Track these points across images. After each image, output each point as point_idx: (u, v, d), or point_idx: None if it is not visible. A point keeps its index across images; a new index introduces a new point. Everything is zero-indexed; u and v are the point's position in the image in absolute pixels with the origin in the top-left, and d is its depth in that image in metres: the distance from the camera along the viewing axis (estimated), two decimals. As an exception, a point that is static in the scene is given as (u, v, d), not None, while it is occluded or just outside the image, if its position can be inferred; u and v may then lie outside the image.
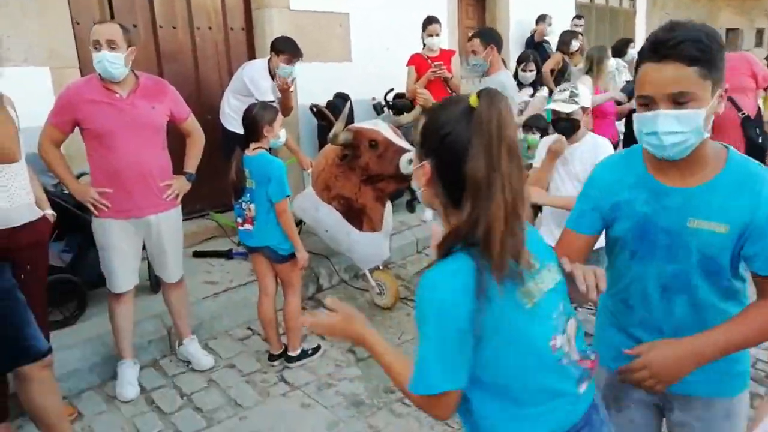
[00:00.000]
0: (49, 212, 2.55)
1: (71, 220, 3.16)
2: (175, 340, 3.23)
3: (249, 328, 3.58)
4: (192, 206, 4.77)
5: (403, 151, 3.33)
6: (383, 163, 3.39)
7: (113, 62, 2.60)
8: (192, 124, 3.01)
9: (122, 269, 2.81)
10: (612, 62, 4.73)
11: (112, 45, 2.58)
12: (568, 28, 7.26)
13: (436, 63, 3.67)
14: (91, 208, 2.72)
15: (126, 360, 2.91)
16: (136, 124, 2.70)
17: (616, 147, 4.96)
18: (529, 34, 7.53)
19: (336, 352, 3.33)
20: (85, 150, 2.75)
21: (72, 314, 3.20)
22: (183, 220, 4.65)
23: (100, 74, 2.62)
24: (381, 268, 3.86)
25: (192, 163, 3.04)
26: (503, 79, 3.74)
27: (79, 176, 3.23)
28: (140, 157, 2.72)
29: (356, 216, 3.66)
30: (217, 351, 3.32)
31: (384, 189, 3.55)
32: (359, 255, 3.72)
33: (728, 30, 13.69)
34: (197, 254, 4.31)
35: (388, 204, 3.81)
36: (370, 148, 3.41)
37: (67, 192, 2.93)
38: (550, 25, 7.38)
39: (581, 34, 7.19)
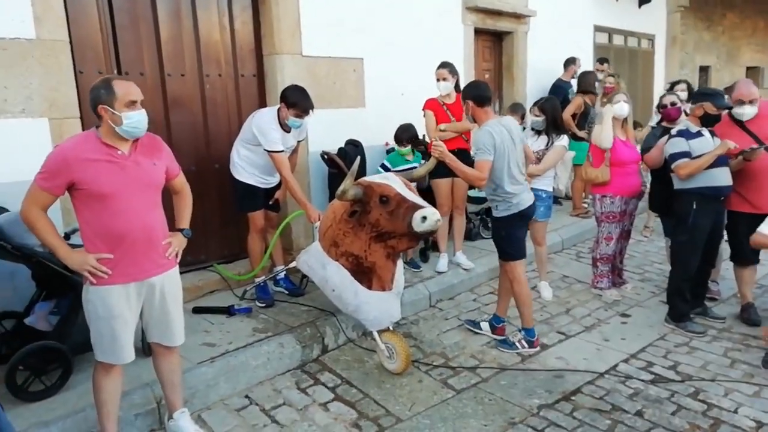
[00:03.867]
0: None
1: (60, 281, 2.96)
2: (165, 413, 2.96)
3: (247, 397, 3.31)
4: (196, 256, 4.60)
5: (417, 207, 3.10)
6: (395, 220, 3.16)
7: (147, 120, 2.51)
8: (182, 180, 2.84)
9: (126, 339, 2.57)
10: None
11: (141, 104, 2.50)
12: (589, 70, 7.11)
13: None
14: (88, 277, 2.48)
15: (109, 439, 2.65)
16: (140, 183, 2.52)
17: (640, 197, 4.70)
18: (557, 79, 7.37)
19: (340, 427, 3.03)
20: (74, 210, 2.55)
21: (54, 384, 2.97)
22: (185, 272, 4.52)
23: (126, 134, 2.47)
24: (391, 328, 3.59)
25: (186, 219, 2.83)
26: (488, 129, 3.52)
27: (67, 236, 3.06)
28: (146, 218, 2.54)
29: (365, 274, 3.42)
30: (210, 424, 3.05)
31: (395, 247, 3.31)
32: (367, 316, 3.47)
33: (748, 68, 13.48)
34: (197, 310, 4.09)
35: (400, 262, 3.56)
36: (381, 203, 3.19)
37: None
38: (579, 67, 7.24)
39: (614, 75, 7.03)
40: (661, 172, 4.40)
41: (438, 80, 4.74)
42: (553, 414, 3.10)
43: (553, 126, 4.54)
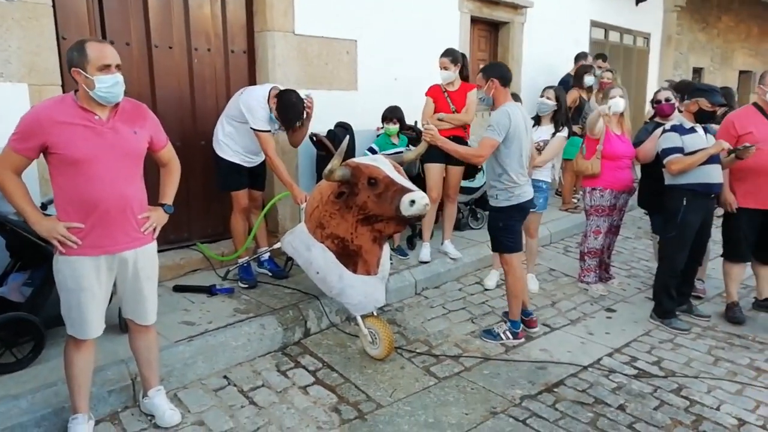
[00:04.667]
0: None
1: (34, 252, 2.86)
2: (140, 390, 2.89)
3: (225, 377, 3.23)
4: (178, 234, 4.50)
5: (405, 190, 3.03)
6: (383, 203, 3.09)
7: (123, 85, 2.39)
8: (169, 153, 2.73)
9: (93, 314, 2.48)
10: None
11: (119, 68, 2.37)
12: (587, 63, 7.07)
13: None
14: (57, 246, 2.39)
15: (79, 415, 2.56)
16: (118, 151, 2.41)
17: (631, 193, 4.67)
18: (566, 74, 7.32)
19: (319, 411, 2.97)
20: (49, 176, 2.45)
21: (26, 357, 2.87)
22: (167, 249, 4.43)
23: (102, 99, 2.35)
24: (375, 314, 3.53)
25: (170, 194, 2.74)
26: (507, 109, 3.50)
27: (44, 206, 2.96)
28: (122, 188, 2.43)
29: (351, 258, 3.35)
30: (186, 404, 2.97)
31: (382, 230, 3.24)
32: (351, 300, 3.40)
33: (741, 72, 13.55)
34: (178, 288, 4.00)
35: (386, 246, 3.49)
36: (369, 186, 3.11)
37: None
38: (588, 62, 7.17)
39: (611, 71, 6.99)
40: (651, 169, 4.37)
41: (441, 69, 4.60)
42: (535, 405, 3.06)
43: (563, 115, 4.47)
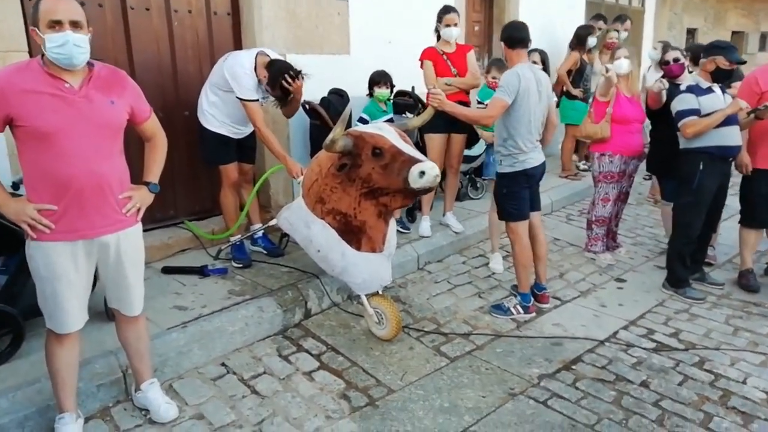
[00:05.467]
0: None
1: (8, 236, 2.58)
2: (132, 383, 2.66)
3: (223, 365, 3.02)
4: (164, 212, 4.22)
5: (414, 161, 2.78)
6: (389, 174, 2.84)
7: (81, 46, 2.06)
8: (154, 125, 2.44)
9: (71, 305, 2.23)
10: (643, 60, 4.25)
11: (76, 26, 2.04)
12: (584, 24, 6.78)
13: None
14: (27, 230, 2.13)
15: (66, 414, 2.34)
16: (92, 123, 2.13)
17: (641, 159, 4.48)
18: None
19: (326, 399, 2.78)
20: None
21: (4, 351, 2.63)
22: (153, 228, 4.15)
23: (55, 61, 2.05)
24: (380, 292, 3.32)
25: (155, 171, 2.46)
26: (518, 71, 3.31)
27: (16, 185, 2.67)
28: (98, 165, 2.16)
29: (354, 234, 3.11)
30: (183, 395, 2.76)
31: (388, 204, 3.00)
32: (355, 279, 3.18)
33: (733, 32, 13.31)
34: (167, 270, 3.75)
35: (392, 222, 3.26)
36: (374, 156, 2.86)
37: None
38: (600, 27, 6.85)
39: (617, 30, 6.72)
40: (662, 132, 4.18)
41: (449, 26, 4.29)
42: (554, 384, 2.90)
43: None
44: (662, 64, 4.51)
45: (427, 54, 4.38)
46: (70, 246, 2.17)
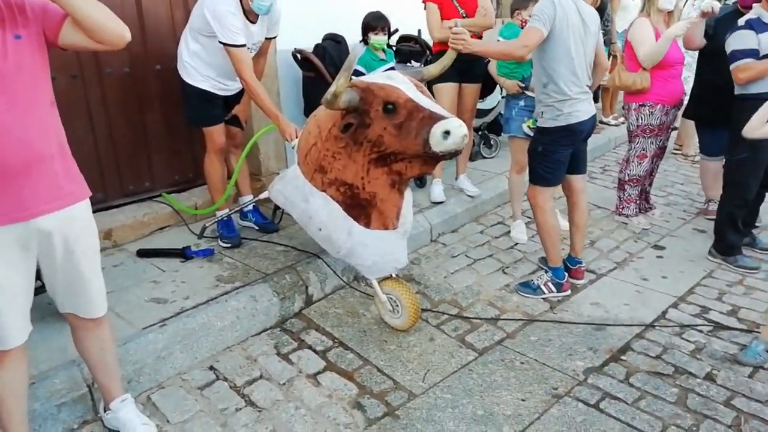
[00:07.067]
0: None
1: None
2: (100, 399, 2.19)
3: (212, 369, 2.55)
4: (139, 185, 3.67)
5: (437, 118, 2.23)
6: (405, 136, 2.29)
7: None
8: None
9: (7, 315, 1.73)
10: None
11: None
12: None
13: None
14: None
15: (14, 449, 1.87)
16: None
17: (680, 107, 3.95)
18: None
19: (336, 409, 2.32)
20: None
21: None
22: (126, 204, 3.61)
23: None
24: (393, 276, 2.83)
25: None
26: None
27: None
28: (20, 129, 1.62)
29: (362, 209, 2.59)
30: (163, 411, 2.29)
31: (403, 173, 2.46)
32: (364, 261, 2.69)
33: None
34: (142, 253, 3.23)
35: (408, 193, 2.73)
36: (386, 113, 2.30)
37: None
38: None
39: None
40: (711, 75, 3.65)
41: None
42: (604, 381, 2.46)
43: None
44: None
45: None
46: None
